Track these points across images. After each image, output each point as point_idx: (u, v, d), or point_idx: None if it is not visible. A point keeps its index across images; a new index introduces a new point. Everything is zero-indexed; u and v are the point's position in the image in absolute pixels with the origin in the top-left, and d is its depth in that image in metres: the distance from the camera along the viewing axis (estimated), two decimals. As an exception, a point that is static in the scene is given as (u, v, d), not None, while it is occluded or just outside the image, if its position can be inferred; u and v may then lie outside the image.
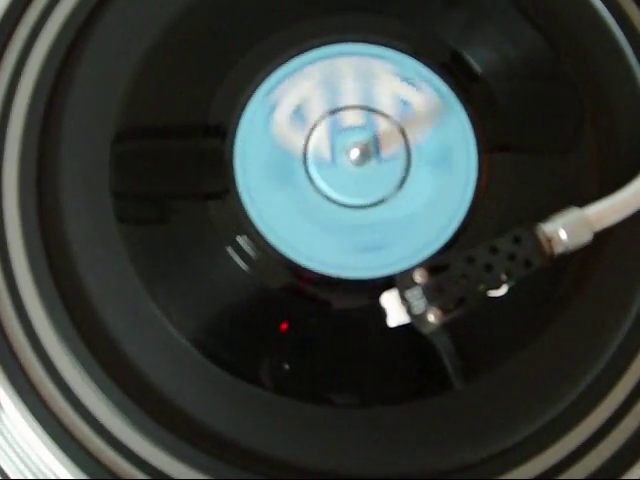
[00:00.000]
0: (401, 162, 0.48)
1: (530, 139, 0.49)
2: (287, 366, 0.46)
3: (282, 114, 0.48)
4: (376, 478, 0.44)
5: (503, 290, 0.43)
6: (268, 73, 0.49)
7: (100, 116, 0.49)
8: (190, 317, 0.46)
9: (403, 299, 0.43)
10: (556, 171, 0.48)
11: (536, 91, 0.50)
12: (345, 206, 0.47)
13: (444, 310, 0.43)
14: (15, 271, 0.46)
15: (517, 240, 0.44)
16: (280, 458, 0.45)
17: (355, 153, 0.46)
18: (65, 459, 0.44)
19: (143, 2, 0.51)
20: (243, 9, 0.51)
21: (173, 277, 0.47)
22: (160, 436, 0.44)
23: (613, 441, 0.45)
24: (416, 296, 0.43)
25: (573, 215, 0.45)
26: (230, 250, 0.46)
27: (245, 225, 0.47)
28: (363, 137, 0.47)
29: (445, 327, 0.43)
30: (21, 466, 0.44)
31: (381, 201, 0.47)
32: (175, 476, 0.44)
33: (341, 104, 0.49)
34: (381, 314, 0.44)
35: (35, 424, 0.44)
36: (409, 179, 0.47)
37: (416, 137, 0.48)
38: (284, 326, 0.46)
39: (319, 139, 0.48)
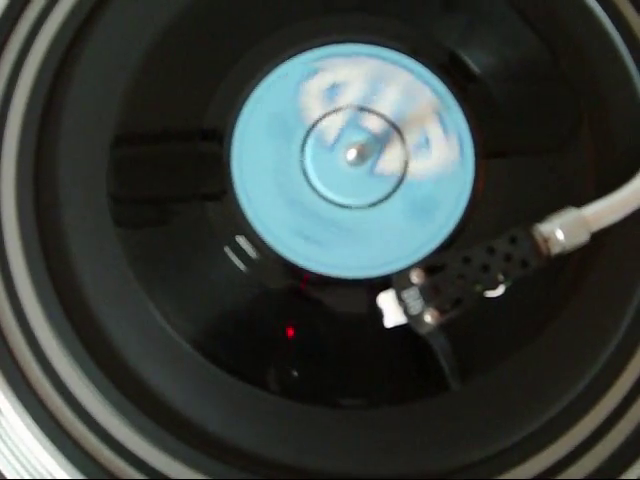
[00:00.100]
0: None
1: (527, 140, 0.49)
2: (286, 367, 0.46)
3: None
4: (375, 479, 0.44)
5: (500, 290, 0.43)
6: (266, 74, 0.49)
7: (98, 119, 0.49)
8: (188, 318, 0.46)
9: (400, 300, 0.43)
10: (553, 172, 0.48)
11: (533, 92, 0.50)
12: (342, 206, 0.47)
13: (441, 311, 0.43)
14: (14, 274, 0.46)
15: (514, 240, 0.44)
16: (278, 459, 0.45)
17: (352, 153, 0.46)
18: (62, 459, 0.44)
19: (141, 3, 0.51)
20: (240, 11, 0.51)
21: (171, 279, 0.47)
22: (158, 436, 0.44)
23: (611, 441, 0.45)
24: (413, 296, 0.43)
25: (570, 215, 0.45)
26: (228, 251, 0.46)
27: (243, 226, 0.47)
28: (361, 137, 0.47)
29: (442, 328, 0.43)
30: (18, 466, 0.44)
31: (379, 201, 0.47)
32: (173, 476, 0.44)
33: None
34: (378, 314, 0.44)
35: (33, 425, 0.44)
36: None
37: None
38: (283, 326, 0.46)
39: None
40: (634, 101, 0.50)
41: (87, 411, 0.45)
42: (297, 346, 0.46)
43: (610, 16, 0.51)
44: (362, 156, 0.47)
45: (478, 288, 0.43)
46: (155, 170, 0.48)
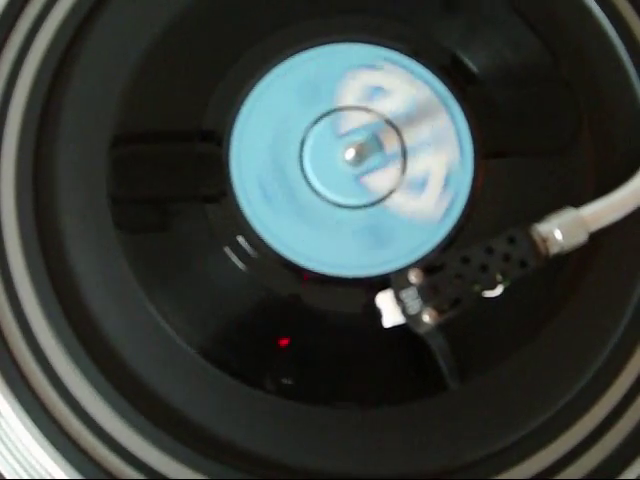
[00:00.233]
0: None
1: (527, 141, 0.49)
2: (285, 367, 0.46)
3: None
4: (373, 478, 0.44)
5: (498, 290, 0.43)
6: (265, 74, 0.49)
7: (97, 118, 0.49)
8: (188, 319, 0.46)
9: (398, 299, 0.43)
10: (552, 173, 0.48)
11: (533, 94, 0.50)
12: (341, 206, 0.47)
13: (439, 310, 0.43)
14: (13, 275, 0.46)
15: (512, 240, 0.44)
16: (278, 459, 0.44)
17: (351, 153, 0.46)
18: (61, 460, 0.44)
19: (140, 4, 0.51)
20: (238, 12, 0.51)
21: (171, 279, 0.47)
22: (157, 437, 0.44)
23: (610, 441, 0.45)
24: (411, 296, 0.43)
25: (568, 215, 0.45)
26: (227, 251, 0.46)
27: (242, 226, 0.47)
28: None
29: (440, 327, 0.43)
30: (17, 466, 0.44)
31: (377, 201, 0.47)
32: (172, 476, 0.44)
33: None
34: (377, 314, 0.44)
35: (31, 425, 0.44)
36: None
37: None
38: (282, 327, 0.46)
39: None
40: (634, 103, 0.50)
41: (86, 411, 0.45)
42: (296, 346, 0.46)
43: (610, 18, 0.51)
44: (361, 156, 0.47)
45: (476, 288, 0.43)
46: (154, 170, 0.48)
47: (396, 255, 0.46)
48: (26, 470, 0.44)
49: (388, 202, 0.47)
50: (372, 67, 0.49)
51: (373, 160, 0.47)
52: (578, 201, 0.46)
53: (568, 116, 0.50)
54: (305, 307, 0.46)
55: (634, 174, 0.46)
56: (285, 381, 0.46)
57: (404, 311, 0.43)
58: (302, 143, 0.48)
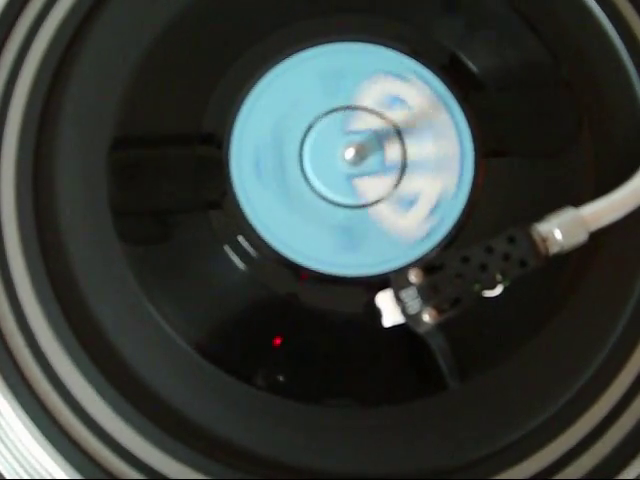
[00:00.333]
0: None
1: (527, 141, 0.49)
2: (284, 367, 0.46)
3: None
4: (371, 479, 0.44)
5: (498, 290, 0.43)
6: (264, 74, 0.49)
7: (96, 119, 0.49)
8: (187, 318, 0.46)
9: (398, 299, 0.43)
10: (552, 173, 0.48)
11: (534, 94, 0.50)
12: (341, 205, 0.47)
13: (439, 310, 0.43)
14: (13, 275, 0.46)
15: (512, 240, 0.44)
16: (276, 458, 0.44)
17: (350, 153, 0.46)
18: (61, 460, 0.44)
19: (139, 5, 0.51)
20: (236, 13, 0.51)
21: (171, 280, 0.47)
22: (157, 436, 0.44)
23: (609, 440, 0.45)
24: (411, 296, 0.43)
25: (568, 215, 0.45)
26: (227, 252, 0.46)
27: (243, 227, 0.47)
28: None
29: (440, 327, 0.43)
30: (17, 466, 0.44)
31: (377, 201, 0.47)
32: (172, 476, 0.44)
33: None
34: (377, 313, 0.44)
35: (32, 425, 0.44)
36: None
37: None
38: (283, 326, 0.46)
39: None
40: (634, 103, 0.50)
41: (86, 411, 0.45)
42: (297, 346, 0.46)
43: (611, 18, 0.51)
44: (360, 156, 0.47)
45: (476, 287, 0.43)
46: (154, 173, 0.48)
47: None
48: (26, 470, 0.44)
49: (372, 209, 0.47)
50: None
51: (372, 164, 0.47)
52: (578, 201, 0.46)
53: (568, 116, 0.50)
54: (306, 306, 0.46)
55: (634, 174, 0.46)
56: (285, 380, 0.45)
57: (404, 311, 0.43)
58: (302, 142, 0.48)
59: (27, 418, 0.44)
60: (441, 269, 0.43)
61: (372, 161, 0.47)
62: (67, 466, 0.44)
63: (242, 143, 0.48)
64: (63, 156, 0.48)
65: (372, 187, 0.47)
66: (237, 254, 0.46)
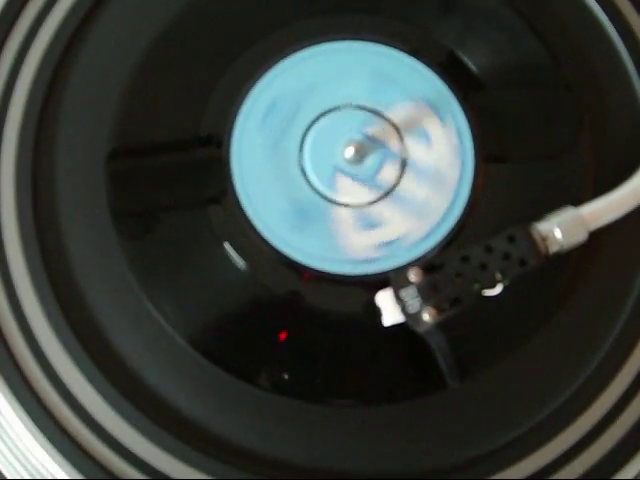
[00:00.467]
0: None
1: (526, 141, 0.49)
2: (285, 365, 0.46)
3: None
4: (371, 477, 0.44)
5: (498, 289, 0.43)
6: (263, 73, 0.49)
7: (96, 118, 0.49)
8: (189, 318, 0.46)
9: (398, 298, 0.43)
10: (552, 173, 0.48)
11: (534, 94, 0.50)
12: (341, 204, 0.47)
13: (439, 309, 0.43)
14: (13, 275, 0.46)
15: (512, 239, 0.44)
16: (276, 457, 0.45)
17: (350, 151, 0.46)
18: (62, 459, 0.44)
19: (137, 7, 0.51)
20: (234, 14, 0.51)
21: (171, 279, 0.47)
22: (157, 435, 0.44)
23: (607, 440, 0.45)
24: (411, 295, 0.43)
25: (568, 214, 0.45)
26: (228, 250, 0.47)
27: (244, 226, 0.47)
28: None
29: (440, 326, 0.43)
30: (17, 465, 0.44)
31: (376, 200, 0.47)
32: (173, 476, 0.44)
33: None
34: (377, 312, 0.44)
35: (32, 424, 0.44)
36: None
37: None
38: (284, 325, 0.46)
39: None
40: (634, 104, 0.50)
41: (86, 410, 0.45)
42: (297, 345, 0.46)
43: (611, 18, 0.51)
44: (360, 154, 0.47)
45: (476, 287, 0.43)
46: (154, 172, 0.48)
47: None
48: (27, 469, 0.44)
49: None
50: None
51: (370, 167, 0.47)
52: (578, 201, 0.46)
53: (568, 116, 0.50)
54: (307, 305, 0.46)
55: (633, 173, 0.46)
56: (285, 379, 0.46)
57: (404, 310, 0.43)
58: (302, 141, 0.48)
59: (27, 418, 0.44)
60: (441, 268, 0.43)
61: (371, 162, 0.47)
62: (68, 465, 0.44)
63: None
64: (63, 155, 0.48)
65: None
66: (237, 252, 0.46)
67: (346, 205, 0.47)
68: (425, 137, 0.48)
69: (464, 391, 0.45)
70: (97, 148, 0.48)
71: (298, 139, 0.48)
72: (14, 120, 0.48)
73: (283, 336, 0.46)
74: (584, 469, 0.44)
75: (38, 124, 0.48)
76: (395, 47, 0.50)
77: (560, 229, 0.44)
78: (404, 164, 0.48)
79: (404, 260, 0.46)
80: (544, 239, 0.44)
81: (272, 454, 0.44)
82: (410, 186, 0.47)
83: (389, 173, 0.47)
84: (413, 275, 0.43)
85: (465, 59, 0.50)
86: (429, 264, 0.44)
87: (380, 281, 0.45)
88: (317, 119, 0.48)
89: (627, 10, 0.52)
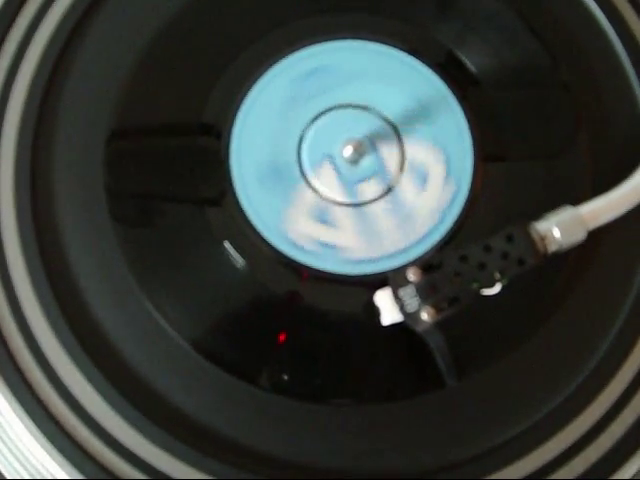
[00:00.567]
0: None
1: (525, 141, 0.49)
2: (284, 365, 0.46)
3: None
4: (369, 476, 0.44)
5: (497, 288, 0.43)
6: (264, 71, 0.49)
7: (96, 113, 0.49)
8: (188, 317, 0.46)
9: (396, 297, 0.43)
10: (551, 172, 0.48)
11: (532, 94, 0.50)
12: (340, 204, 0.47)
13: (437, 308, 0.43)
14: (12, 274, 0.46)
15: (510, 239, 0.44)
16: (276, 457, 0.44)
17: (349, 150, 0.47)
18: (62, 459, 0.44)
19: (136, 5, 0.51)
20: (240, 8, 0.51)
21: (170, 277, 0.47)
22: (158, 436, 0.44)
23: (606, 439, 0.45)
24: (409, 294, 0.43)
25: (567, 213, 0.45)
26: (227, 249, 0.47)
27: (242, 224, 0.47)
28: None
29: (438, 325, 0.43)
30: (17, 465, 0.44)
31: (376, 199, 0.47)
32: (174, 476, 0.44)
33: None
34: (375, 312, 0.44)
35: (32, 424, 0.44)
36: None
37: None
38: (284, 324, 0.46)
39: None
40: (633, 105, 0.50)
41: (86, 410, 0.45)
42: (296, 344, 0.46)
43: (610, 19, 0.51)
44: (359, 153, 0.47)
45: (475, 286, 0.43)
46: (153, 167, 0.48)
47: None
48: (27, 470, 0.44)
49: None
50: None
51: (369, 164, 0.47)
52: (576, 201, 0.46)
53: (567, 116, 0.50)
54: (306, 304, 0.46)
55: (632, 173, 0.46)
56: (285, 379, 0.46)
57: (402, 309, 0.43)
58: (301, 139, 0.48)
59: (27, 418, 0.44)
60: (440, 268, 0.43)
61: (369, 161, 0.47)
62: (68, 466, 0.44)
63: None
64: (62, 154, 0.48)
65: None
66: (237, 251, 0.46)
67: (345, 204, 0.47)
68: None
69: (462, 390, 0.45)
70: (97, 145, 0.48)
71: (297, 137, 0.48)
72: (13, 116, 0.48)
73: (282, 336, 0.46)
74: (583, 468, 0.44)
75: (37, 121, 0.48)
76: (394, 46, 0.50)
77: (559, 228, 0.44)
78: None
79: (403, 259, 0.46)
80: (543, 238, 0.44)
81: (272, 453, 0.44)
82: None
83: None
84: (412, 274, 0.43)
85: (464, 59, 0.50)
86: (428, 263, 0.44)
87: (379, 281, 0.45)
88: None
89: (623, 7, 0.51)
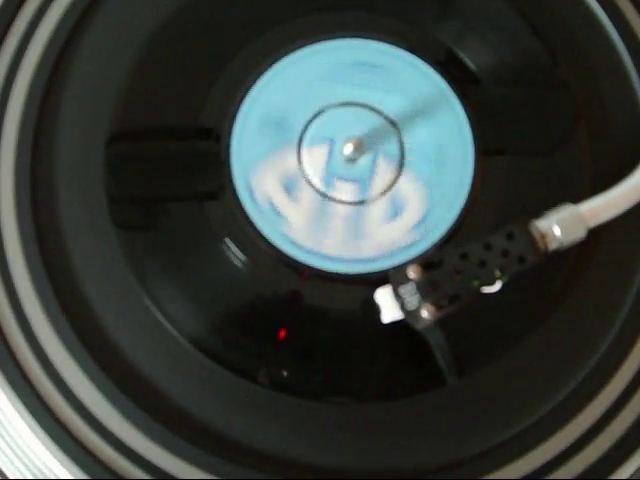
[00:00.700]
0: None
1: (525, 138, 0.49)
2: (284, 363, 0.46)
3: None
4: (369, 474, 0.44)
5: (497, 286, 0.43)
6: (264, 71, 0.49)
7: (96, 113, 0.49)
8: (189, 316, 0.46)
9: (397, 295, 0.43)
10: (550, 170, 0.49)
11: (533, 90, 0.50)
12: (340, 202, 0.47)
13: (438, 306, 0.43)
14: (12, 272, 0.46)
15: (511, 236, 0.44)
16: (276, 455, 0.44)
17: (349, 148, 0.47)
18: (65, 459, 0.44)
19: (135, 4, 0.51)
20: (238, 7, 0.51)
21: (171, 276, 0.47)
22: (161, 435, 0.44)
23: (606, 439, 0.45)
24: (410, 292, 0.43)
25: (567, 211, 0.45)
26: (227, 248, 0.47)
27: (243, 223, 0.47)
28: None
29: (439, 323, 0.43)
30: (19, 465, 0.44)
31: (376, 198, 0.47)
32: (176, 475, 0.44)
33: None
34: (376, 310, 0.44)
35: (34, 424, 0.44)
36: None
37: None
38: (284, 323, 0.46)
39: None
40: (633, 102, 0.50)
41: (87, 409, 0.44)
42: (296, 342, 0.46)
43: (610, 17, 0.51)
44: (359, 151, 0.47)
45: (475, 284, 0.43)
46: (153, 167, 0.48)
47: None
48: (29, 469, 0.44)
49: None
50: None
51: (368, 162, 0.48)
52: (576, 198, 0.46)
53: (566, 114, 0.50)
54: (307, 303, 0.46)
55: (632, 170, 0.46)
56: (285, 376, 0.46)
57: (403, 307, 0.43)
58: (301, 138, 0.48)
59: (29, 417, 0.44)
60: (440, 265, 0.43)
61: (361, 167, 0.47)
62: (71, 465, 0.44)
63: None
64: (62, 154, 0.48)
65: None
66: (237, 248, 0.46)
67: (342, 202, 0.47)
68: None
69: (462, 388, 0.45)
70: (97, 144, 0.48)
71: (297, 136, 0.48)
72: (13, 115, 0.48)
73: (282, 333, 0.46)
74: (583, 467, 0.44)
75: (37, 120, 0.48)
76: (395, 45, 0.50)
77: (559, 226, 0.44)
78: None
79: (403, 258, 0.46)
80: (543, 236, 0.44)
81: (272, 452, 0.44)
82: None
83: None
84: (412, 272, 0.43)
85: (464, 57, 0.50)
86: (428, 261, 0.44)
87: (379, 279, 0.45)
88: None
89: (624, 5, 0.52)
